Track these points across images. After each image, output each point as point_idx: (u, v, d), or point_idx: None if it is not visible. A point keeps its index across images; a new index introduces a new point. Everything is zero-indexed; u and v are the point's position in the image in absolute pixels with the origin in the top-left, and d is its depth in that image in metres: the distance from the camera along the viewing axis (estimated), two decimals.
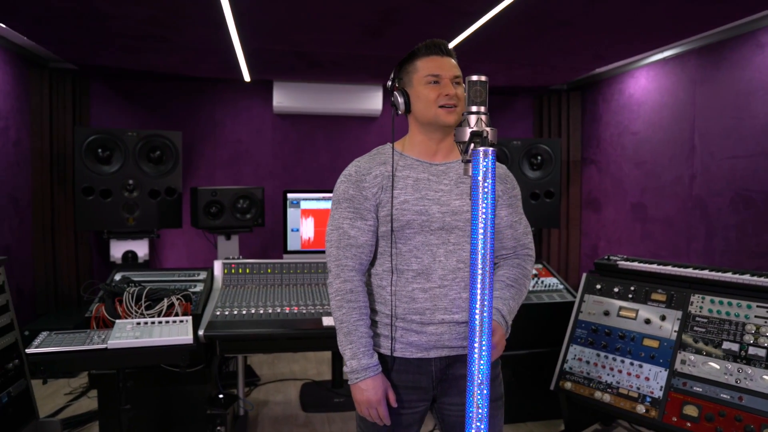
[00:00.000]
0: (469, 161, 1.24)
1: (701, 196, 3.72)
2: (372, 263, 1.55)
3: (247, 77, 4.52)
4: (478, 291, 1.22)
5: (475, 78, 1.25)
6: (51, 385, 3.67)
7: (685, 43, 3.77)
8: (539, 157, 3.95)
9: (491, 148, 1.19)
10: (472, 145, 1.23)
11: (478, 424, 1.23)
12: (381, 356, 1.51)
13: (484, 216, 1.20)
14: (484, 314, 1.22)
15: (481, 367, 1.22)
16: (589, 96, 4.97)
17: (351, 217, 1.49)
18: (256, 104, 4.92)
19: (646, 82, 4.23)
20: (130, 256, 4.01)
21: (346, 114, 4.93)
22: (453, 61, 1.51)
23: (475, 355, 1.22)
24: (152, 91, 4.72)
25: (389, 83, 1.59)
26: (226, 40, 3.36)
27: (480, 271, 1.22)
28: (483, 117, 1.26)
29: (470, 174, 1.21)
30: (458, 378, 1.52)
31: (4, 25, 3.32)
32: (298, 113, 4.91)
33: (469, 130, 1.25)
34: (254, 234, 4.70)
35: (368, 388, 1.44)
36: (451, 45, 3.42)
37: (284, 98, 4.72)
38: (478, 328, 1.23)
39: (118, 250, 3.98)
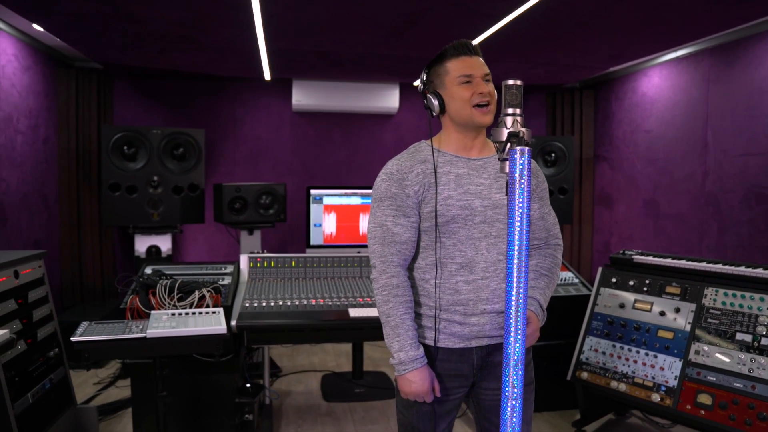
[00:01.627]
0: (505, 159, 1.34)
1: (714, 193, 3.79)
2: (414, 257, 1.61)
3: (267, 76, 4.62)
4: (515, 281, 1.31)
5: (511, 82, 1.34)
6: (80, 375, 3.79)
7: (699, 43, 3.84)
8: (553, 154, 4.03)
9: (527, 148, 1.29)
10: (509, 145, 1.33)
11: (513, 402, 1.33)
12: (426, 346, 1.59)
13: (520, 211, 1.30)
14: (520, 301, 1.32)
15: (517, 349, 1.32)
16: (602, 94, 5.04)
17: (394, 215, 1.55)
18: (275, 102, 5.02)
19: (659, 80, 4.30)
20: (153, 251, 4.13)
21: (363, 112, 5.02)
22: (481, 59, 1.58)
23: (511, 338, 1.32)
24: (174, 89, 4.83)
25: (420, 86, 1.65)
26: (252, 41, 3.46)
27: (516, 263, 1.31)
28: (519, 118, 1.35)
29: (506, 171, 1.31)
30: (496, 365, 1.60)
31: (37, 27, 3.43)
32: (316, 111, 5.01)
33: (506, 131, 1.34)
34: (274, 229, 4.81)
35: (416, 379, 1.51)
36: None
37: (303, 96, 4.82)
38: (513, 314, 1.33)
39: (142, 244, 4.10)
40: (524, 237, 1.30)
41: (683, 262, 2.82)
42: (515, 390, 1.32)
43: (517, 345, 1.32)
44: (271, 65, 4.20)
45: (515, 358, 1.32)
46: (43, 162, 4.12)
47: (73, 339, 2.17)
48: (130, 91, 4.77)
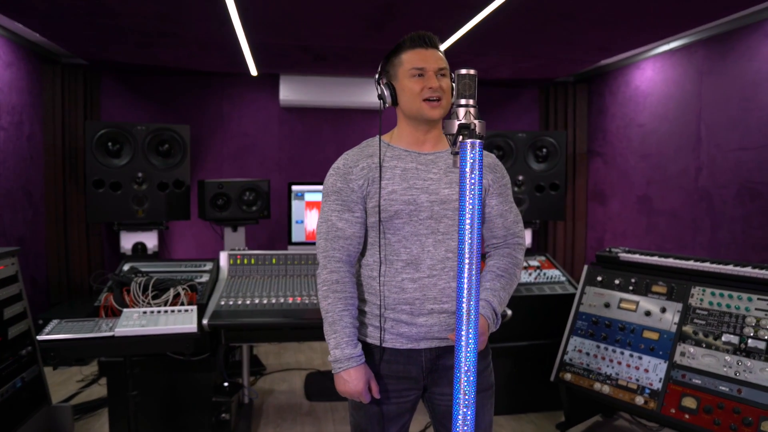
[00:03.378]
0: (457, 153, 1.28)
1: (707, 189, 3.70)
2: (362, 254, 1.58)
3: (254, 71, 4.56)
4: (465, 280, 1.25)
5: (464, 71, 1.28)
6: (64, 372, 3.77)
7: (692, 34, 3.75)
8: (544, 150, 3.95)
9: (479, 140, 1.22)
10: (461, 138, 1.26)
11: (465, 410, 1.26)
12: (370, 346, 1.54)
13: (471, 207, 1.23)
14: (471, 303, 1.25)
15: (468, 355, 1.26)
16: (596, 88, 4.95)
17: (339, 210, 1.52)
18: (262, 98, 4.96)
19: (652, 73, 4.21)
20: (140, 248, 4.08)
21: (351, 107, 4.96)
22: (439, 53, 1.53)
23: (462, 343, 1.26)
24: (161, 85, 4.79)
25: (376, 76, 1.61)
26: (232, 35, 3.40)
27: (467, 261, 1.25)
28: (471, 110, 1.28)
29: (458, 166, 1.24)
30: (448, 368, 1.55)
31: (18, 23, 3.39)
32: (304, 106, 4.95)
33: (457, 123, 1.28)
34: (261, 226, 4.75)
35: (350, 378, 1.47)
36: (454, 38, 3.43)
37: (290, 92, 4.76)
38: (465, 317, 1.26)
39: (128, 241, 4.05)
40: (475, 235, 1.24)
41: (670, 260, 2.75)
42: (467, 397, 1.26)
43: (469, 351, 1.25)
44: (256, 60, 4.14)
45: (467, 364, 1.26)
46: (27, 158, 4.08)
47: (38, 338, 2.14)
48: (117, 88, 4.73)
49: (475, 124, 1.27)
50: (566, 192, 4.35)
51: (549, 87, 5.20)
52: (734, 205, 3.50)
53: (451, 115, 1.30)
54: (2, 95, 3.74)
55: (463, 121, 1.28)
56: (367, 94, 4.81)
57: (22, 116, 4.00)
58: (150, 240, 4.10)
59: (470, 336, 1.25)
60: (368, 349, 1.54)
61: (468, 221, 1.24)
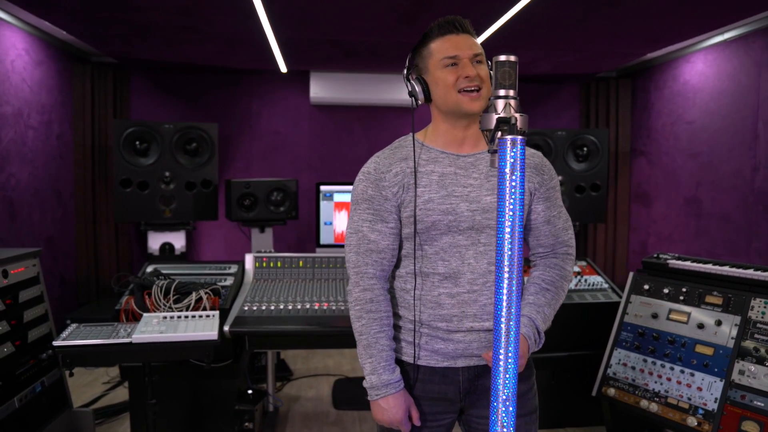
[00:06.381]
0: (495, 151, 1.12)
1: (764, 190, 3.42)
2: (396, 265, 1.43)
3: (283, 68, 4.47)
4: (504, 296, 1.09)
5: (503, 58, 1.12)
6: (91, 374, 3.74)
7: (750, 23, 3.46)
8: (585, 149, 3.74)
9: (520, 137, 1.06)
10: (499, 134, 1.10)
11: None
12: (404, 365, 1.40)
13: (511, 213, 1.07)
14: (511, 322, 1.09)
15: (507, 381, 1.10)
16: (640, 83, 4.68)
17: (371, 220, 1.37)
18: (292, 95, 4.87)
19: (703, 66, 3.93)
20: (167, 248, 4.04)
21: (383, 104, 4.82)
22: (472, 38, 1.36)
23: (500, 368, 1.10)
24: (190, 83, 4.74)
25: (404, 71, 1.45)
26: (259, 30, 3.30)
27: (506, 275, 1.09)
28: (512, 102, 1.12)
29: (497, 166, 1.09)
30: (488, 389, 1.39)
31: (47, 22, 3.37)
32: (335, 104, 4.84)
33: (495, 117, 1.11)
34: (289, 227, 4.67)
35: (389, 406, 1.33)
36: (490, 30, 3.25)
37: (321, 89, 4.66)
38: (503, 338, 1.10)
39: (155, 241, 4.01)
40: (516, 245, 1.08)
41: (726, 268, 2.51)
42: (504, 430, 1.10)
43: (508, 376, 1.10)
44: (285, 56, 4.04)
45: (505, 392, 1.10)
46: (57, 158, 4.08)
47: (54, 343, 2.08)
48: (146, 86, 4.71)
49: (516, 118, 1.10)
50: (608, 193, 4.11)
51: (590, 83, 4.95)
52: None
53: (488, 108, 1.14)
54: (32, 94, 3.73)
55: (502, 115, 1.12)
56: (398, 91, 4.67)
57: (51, 115, 3.99)
58: (177, 240, 4.05)
59: (509, 360, 1.10)
60: (401, 368, 1.40)
61: (507, 229, 1.08)
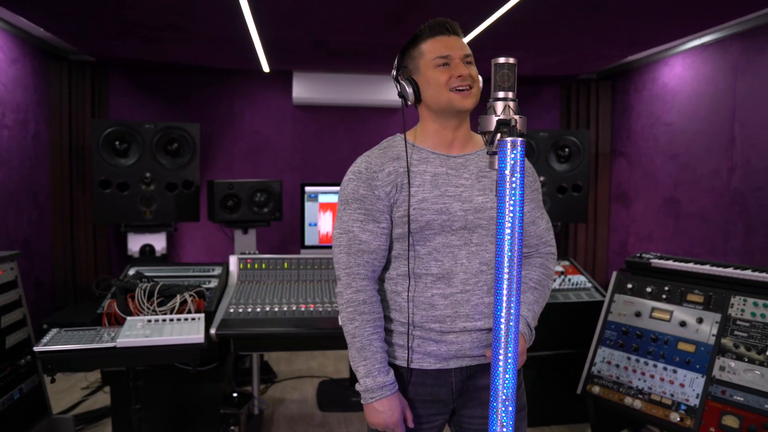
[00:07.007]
0: (495, 153, 1.12)
1: (741, 190, 3.51)
2: (385, 267, 1.42)
3: (266, 68, 4.43)
4: (504, 297, 1.10)
5: (502, 60, 1.13)
6: (68, 379, 3.66)
7: (727, 27, 3.54)
8: (566, 149, 3.78)
9: (520, 139, 1.07)
10: (499, 135, 1.11)
11: None
12: (396, 368, 1.40)
13: (512, 214, 1.08)
14: (511, 323, 1.10)
15: (506, 381, 1.10)
16: (620, 85, 4.76)
17: (362, 220, 1.36)
18: (275, 95, 4.83)
19: (681, 69, 4.02)
20: (147, 250, 3.96)
21: (367, 105, 4.82)
22: (461, 39, 1.38)
23: (500, 368, 1.10)
24: (171, 83, 4.67)
25: (393, 72, 1.45)
26: (243, 29, 3.27)
27: (506, 275, 1.09)
28: (511, 104, 1.13)
29: (496, 167, 1.09)
30: (480, 389, 1.40)
31: (23, 18, 3.28)
32: (318, 104, 4.81)
33: (495, 119, 1.12)
34: (273, 228, 4.63)
35: (384, 409, 1.32)
36: (476, 32, 3.27)
37: (304, 89, 4.63)
38: (503, 338, 1.11)
39: (135, 243, 3.94)
40: (516, 245, 1.08)
41: (707, 267, 2.57)
42: (504, 429, 1.11)
43: (507, 376, 1.10)
44: (269, 56, 4.01)
45: (504, 392, 1.10)
46: (33, 158, 3.98)
47: (35, 348, 2.02)
48: (125, 85, 4.62)
49: (515, 120, 1.11)
50: (588, 193, 4.17)
51: (571, 84, 5.01)
52: None
53: (487, 110, 1.15)
54: (6, 92, 3.63)
55: (502, 117, 1.13)
56: (383, 92, 4.67)
57: (27, 114, 3.89)
58: (158, 242, 3.98)
59: (509, 360, 1.10)
60: (395, 371, 1.39)
61: (508, 229, 1.08)
